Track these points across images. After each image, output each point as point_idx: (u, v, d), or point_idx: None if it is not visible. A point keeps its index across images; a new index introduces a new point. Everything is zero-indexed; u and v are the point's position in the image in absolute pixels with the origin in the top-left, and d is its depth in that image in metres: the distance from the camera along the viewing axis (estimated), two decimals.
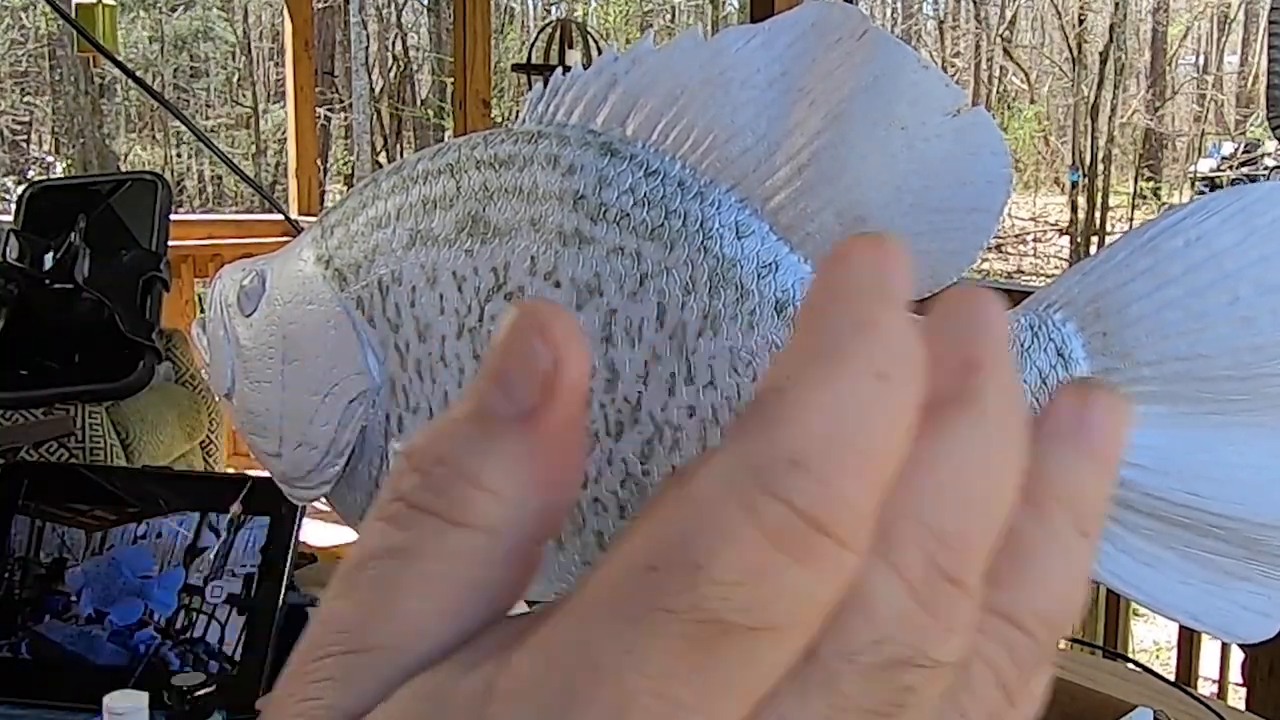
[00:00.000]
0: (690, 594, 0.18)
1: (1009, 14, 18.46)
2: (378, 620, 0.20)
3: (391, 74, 16.70)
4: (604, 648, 0.18)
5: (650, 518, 0.18)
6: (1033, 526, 0.20)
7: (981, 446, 0.19)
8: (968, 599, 0.19)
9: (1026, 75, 18.44)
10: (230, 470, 3.09)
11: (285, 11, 4.64)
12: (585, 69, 0.36)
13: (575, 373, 0.20)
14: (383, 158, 15.23)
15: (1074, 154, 17.26)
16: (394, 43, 16.91)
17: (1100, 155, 16.57)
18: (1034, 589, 0.20)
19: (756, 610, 0.18)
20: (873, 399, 0.18)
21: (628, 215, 0.34)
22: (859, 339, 0.18)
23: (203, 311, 0.46)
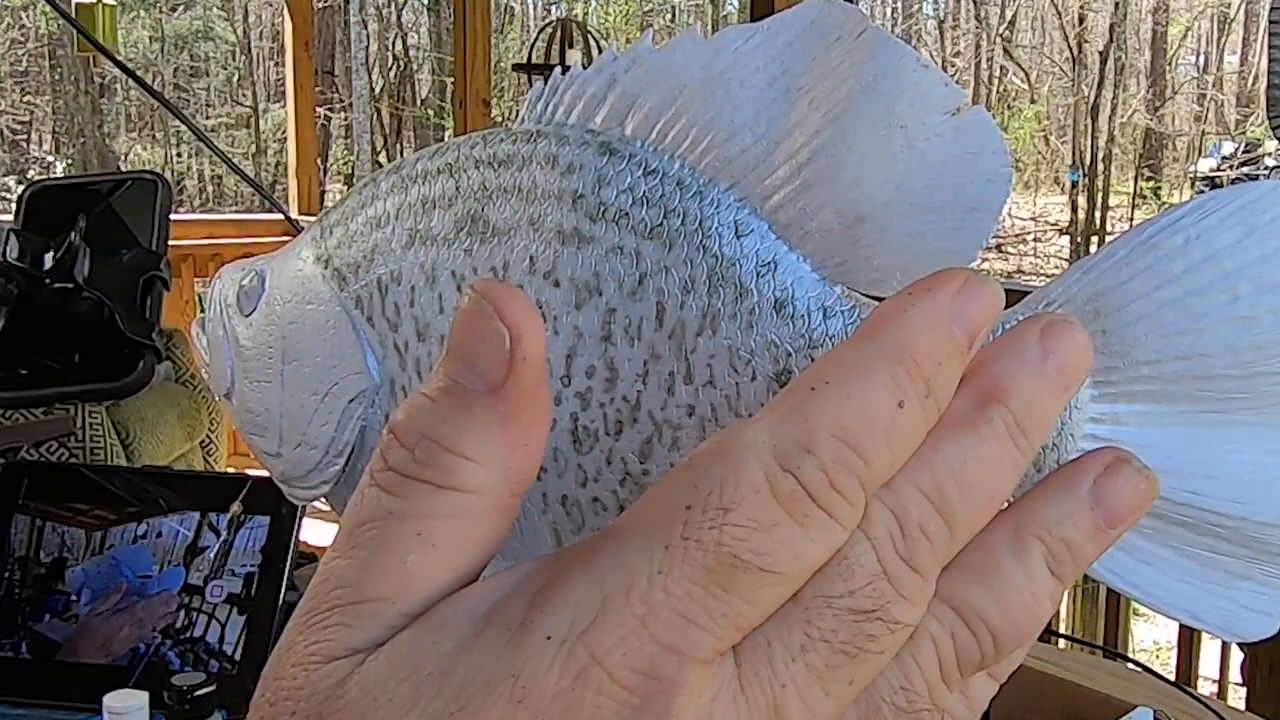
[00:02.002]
0: (717, 531, 0.22)
1: (1009, 14, 18.47)
2: (378, 574, 0.23)
3: (391, 74, 16.71)
4: (638, 567, 0.22)
5: (690, 468, 0.23)
6: (1004, 549, 0.24)
7: (973, 469, 0.24)
8: (925, 583, 0.23)
9: (1026, 75, 18.45)
10: (230, 470, 3.09)
11: (285, 11, 4.64)
12: (585, 68, 0.36)
13: (532, 346, 0.24)
14: (383, 157, 15.25)
15: (1074, 154, 17.27)
16: (394, 42, 16.92)
17: (1100, 155, 16.58)
18: (988, 599, 0.24)
19: (765, 554, 0.22)
20: (883, 421, 0.23)
21: (627, 214, 0.34)
22: (895, 367, 0.23)
23: (202, 311, 0.46)
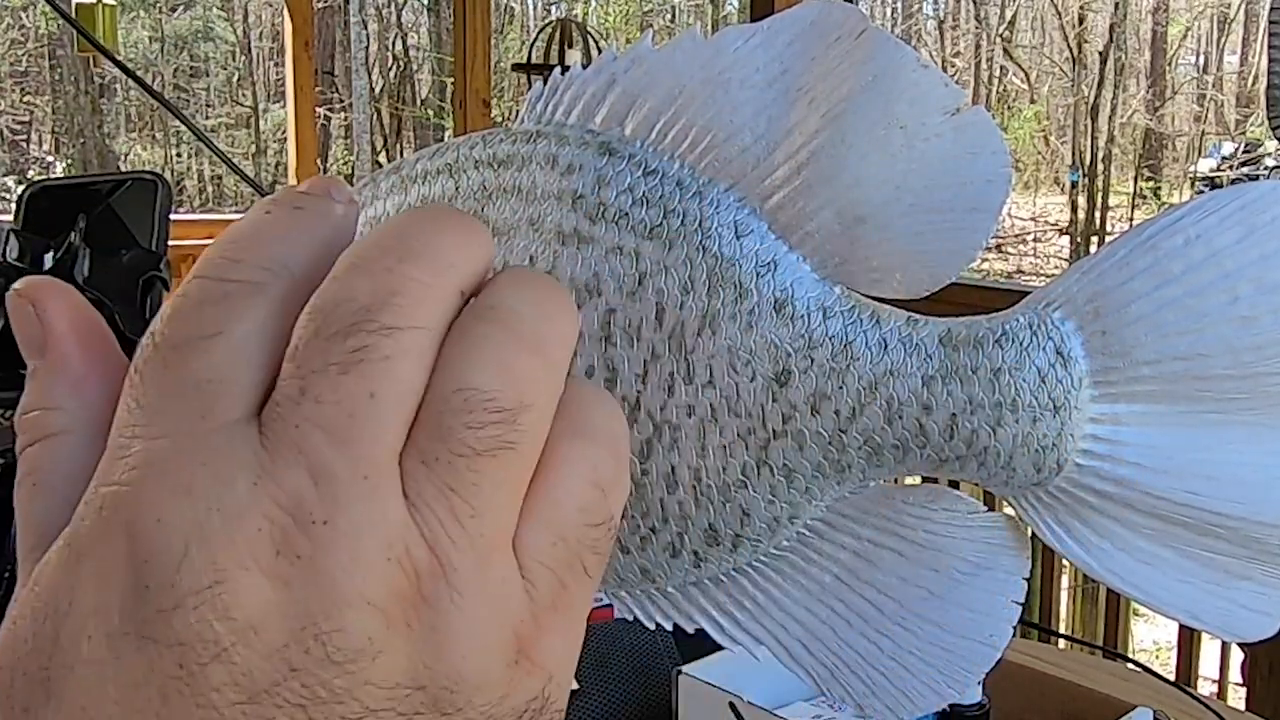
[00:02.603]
0: (152, 343, 0.25)
1: (1009, 14, 18.46)
2: (26, 532, 0.27)
3: (391, 74, 16.71)
4: (129, 412, 0.25)
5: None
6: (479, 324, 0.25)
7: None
8: (396, 294, 0.24)
9: (1026, 75, 18.44)
10: None
11: (285, 11, 4.64)
12: (585, 69, 0.36)
13: (53, 302, 0.28)
14: (383, 158, 15.24)
15: (1074, 154, 17.26)
16: (394, 43, 16.91)
17: (1100, 155, 16.58)
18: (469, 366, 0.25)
19: (197, 328, 0.25)
20: (263, 219, 0.27)
21: (626, 214, 0.34)
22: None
23: None
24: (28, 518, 0.27)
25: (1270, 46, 1.81)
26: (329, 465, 0.23)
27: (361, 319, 0.24)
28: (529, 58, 5.41)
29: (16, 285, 0.28)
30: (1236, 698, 2.49)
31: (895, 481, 0.36)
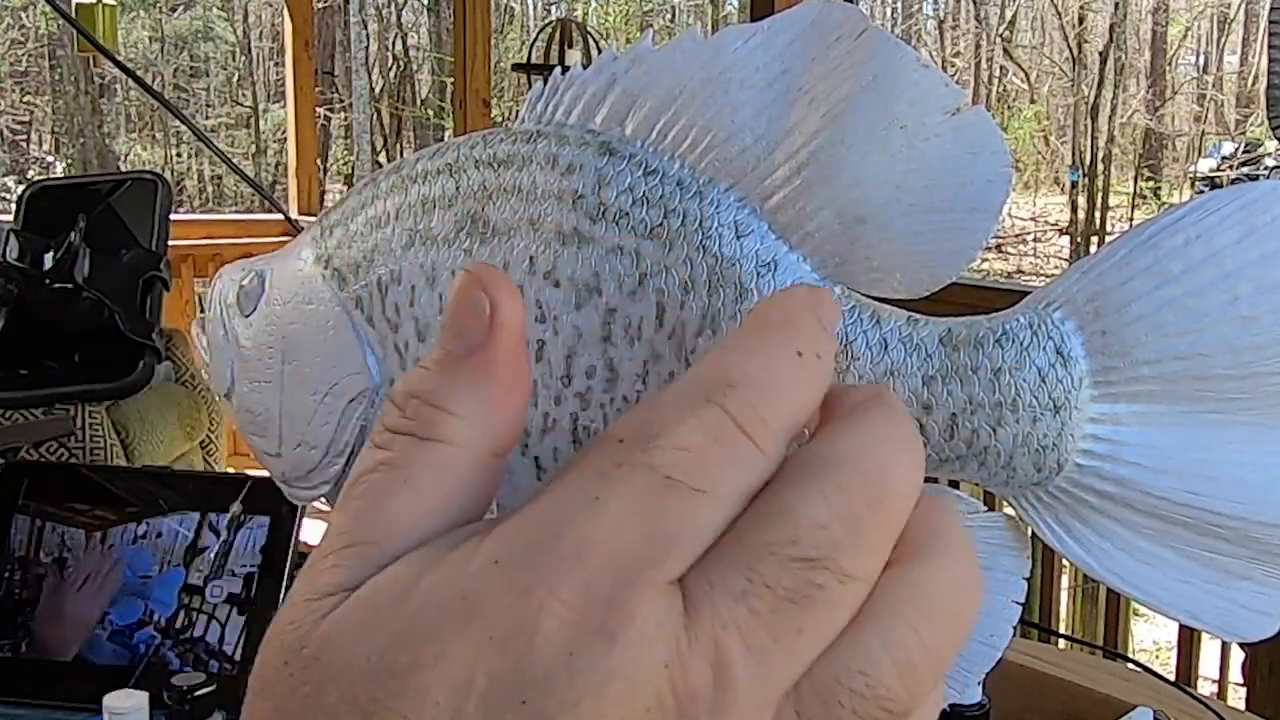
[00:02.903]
0: (647, 454, 0.24)
1: (1009, 14, 18.46)
2: (367, 519, 0.25)
3: (391, 74, 16.71)
4: (574, 500, 0.24)
5: (619, 419, 0.25)
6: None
7: (895, 431, 0.25)
8: (869, 541, 0.24)
9: (1026, 75, 18.44)
10: (230, 470, 3.09)
11: (285, 11, 4.64)
12: (585, 69, 0.36)
13: (509, 311, 0.26)
14: (383, 157, 15.24)
15: (1074, 154, 17.26)
16: (394, 43, 16.91)
17: (1100, 155, 16.58)
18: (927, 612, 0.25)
19: (693, 474, 0.23)
20: (786, 361, 0.25)
21: (627, 214, 0.34)
22: (786, 328, 0.26)
23: (202, 311, 0.46)
24: (378, 507, 0.26)
25: (1270, 46, 1.81)
26: (733, 680, 0.23)
27: (829, 555, 0.23)
28: (529, 58, 5.41)
29: (473, 269, 0.27)
30: (1236, 698, 2.49)
31: None
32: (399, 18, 16.74)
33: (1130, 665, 1.27)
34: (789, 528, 0.24)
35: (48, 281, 2.57)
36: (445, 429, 0.26)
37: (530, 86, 0.37)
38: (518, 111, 0.37)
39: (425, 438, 0.26)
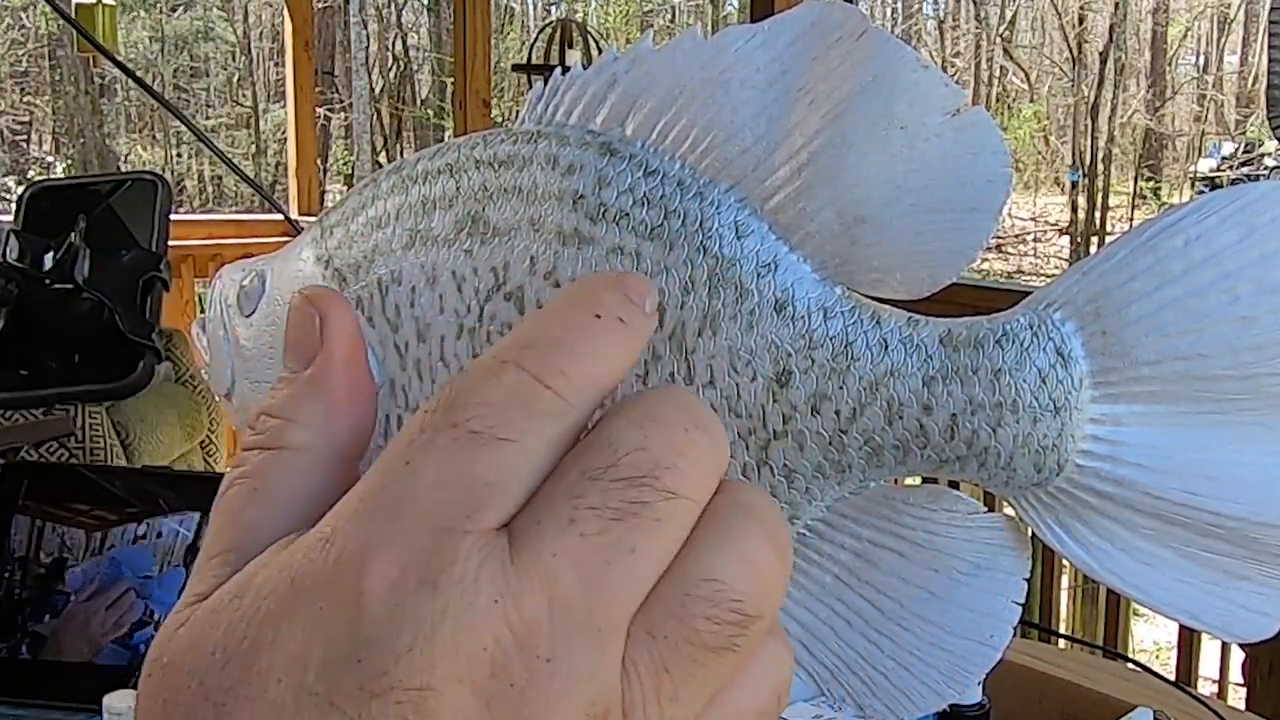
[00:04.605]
0: (450, 414, 0.24)
1: (1009, 14, 18.46)
2: (227, 531, 0.27)
3: (391, 74, 16.70)
4: (389, 469, 0.24)
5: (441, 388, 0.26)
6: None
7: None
8: (689, 458, 0.25)
9: (1026, 75, 18.44)
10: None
11: (285, 11, 4.64)
12: (585, 69, 0.36)
13: (338, 323, 0.29)
14: (383, 158, 15.24)
15: (1074, 154, 17.26)
16: (394, 43, 16.91)
17: (1100, 155, 16.57)
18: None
19: (500, 427, 0.24)
20: (584, 322, 0.26)
21: (627, 215, 0.34)
22: (585, 297, 0.26)
23: (202, 311, 0.46)
24: (234, 518, 0.27)
25: (1270, 46, 1.81)
26: (571, 604, 0.23)
27: (650, 473, 0.24)
28: (529, 58, 5.41)
29: (305, 291, 0.29)
30: (1236, 698, 2.49)
31: (895, 482, 0.36)
32: (399, 18, 16.74)
33: (1130, 665, 1.27)
34: (607, 454, 0.24)
35: (48, 282, 2.57)
36: (289, 437, 0.28)
37: (530, 87, 0.37)
38: (518, 112, 0.37)
39: (272, 447, 0.28)
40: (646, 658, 0.24)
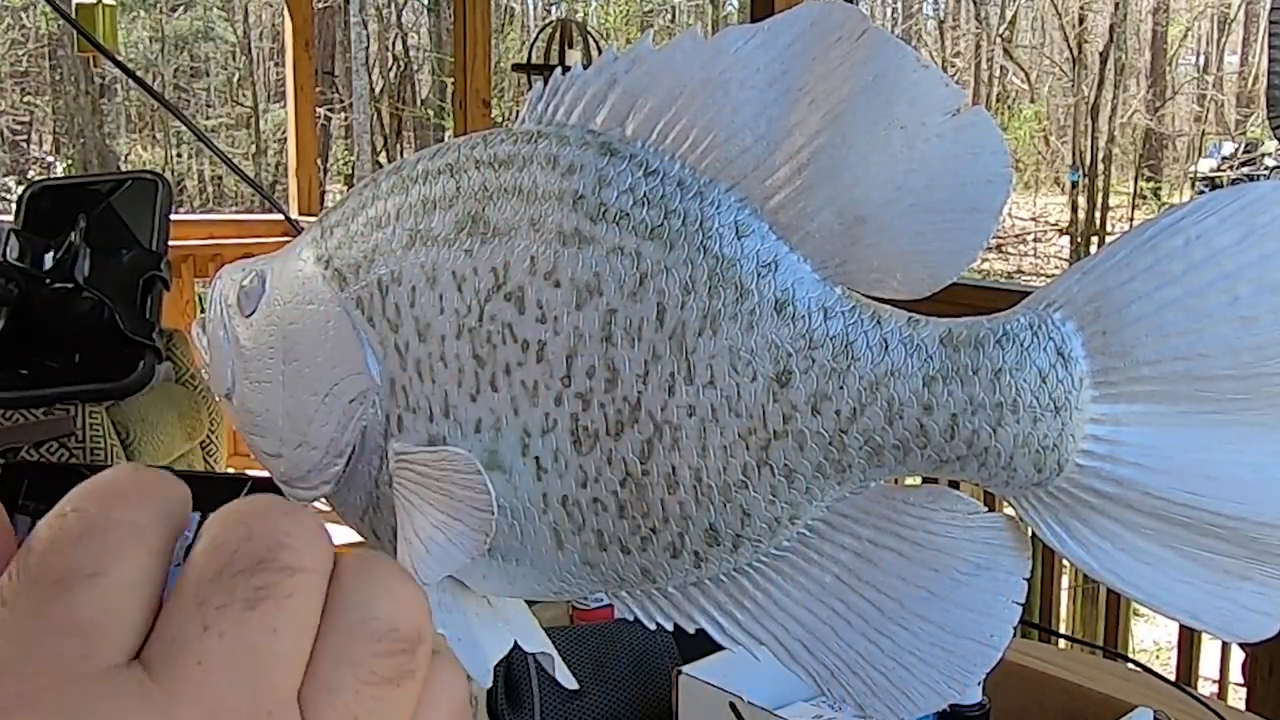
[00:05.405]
0: (31, 569, 0.24)
1: (1009, 14, 18.45)
2: None
3: (391, 74, 16.70)
4: (11, 638, 0.23)
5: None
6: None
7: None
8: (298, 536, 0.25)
9: (1026, 75, 18.44)
10: (230, 470, 3.09)
11: (285, 11, 4.63)
12: (585, 69, 0.36)
13: None
14: (383, 158, 15.24)
15: (1074, 154, 17.26)
16: (394, 43, 16.91)
17: (1100, 155, 16.57)
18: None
19: (87, 564, 0.24)
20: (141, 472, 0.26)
21: (627, 215, 0.34)
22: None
23: (203, 311, 0.46)
24: None
25: (1270, 46, 1.80)
26: (232, 703, 0.23)
27: (265, 558, 0.25)
28: (529, 58, 5.40)
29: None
30: (1236, 698, 2.48)
31: (895, 482, 0.36)
32: (399, 18, 16.74)
33: (1130, 665, 1.27)
34: (220, 556, 0.24)
35: (48, 281, 2.57)
36: None
37: (530, 87, 0.37)
38: (518, 112, 0.37)
39: None
40: (332, 713, 0.24)
